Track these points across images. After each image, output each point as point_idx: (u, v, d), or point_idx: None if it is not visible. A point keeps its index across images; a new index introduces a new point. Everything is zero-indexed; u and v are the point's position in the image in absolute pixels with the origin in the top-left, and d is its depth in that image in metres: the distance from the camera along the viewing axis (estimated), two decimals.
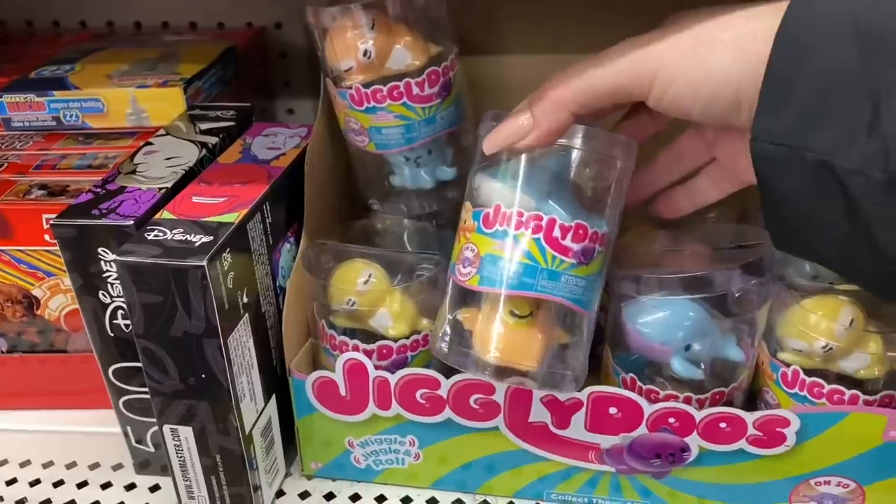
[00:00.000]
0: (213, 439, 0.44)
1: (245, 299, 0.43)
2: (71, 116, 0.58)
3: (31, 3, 0.78)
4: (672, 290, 0.45)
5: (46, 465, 0.53)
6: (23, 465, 0.53)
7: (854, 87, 0.27)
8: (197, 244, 0.40)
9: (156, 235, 0.41)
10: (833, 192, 0.28)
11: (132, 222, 0.42)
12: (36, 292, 0.52)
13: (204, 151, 0.50)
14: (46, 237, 0.50)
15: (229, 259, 0.41)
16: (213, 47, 0.66)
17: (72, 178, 0.52)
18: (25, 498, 0.50)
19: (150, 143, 0.52)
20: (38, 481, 0.52)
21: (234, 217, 0.43)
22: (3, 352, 0.55)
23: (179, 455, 0.45)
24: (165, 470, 0.51)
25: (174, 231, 0.41)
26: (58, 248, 0.49)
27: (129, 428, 0.50)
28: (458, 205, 0.54)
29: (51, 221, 0.43)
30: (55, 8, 0.78)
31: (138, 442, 0.50)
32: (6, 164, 0.55)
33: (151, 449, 0.51)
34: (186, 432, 0.44)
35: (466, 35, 0.50)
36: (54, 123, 0.59)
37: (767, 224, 0.34)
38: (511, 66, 0.59)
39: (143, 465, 0.52)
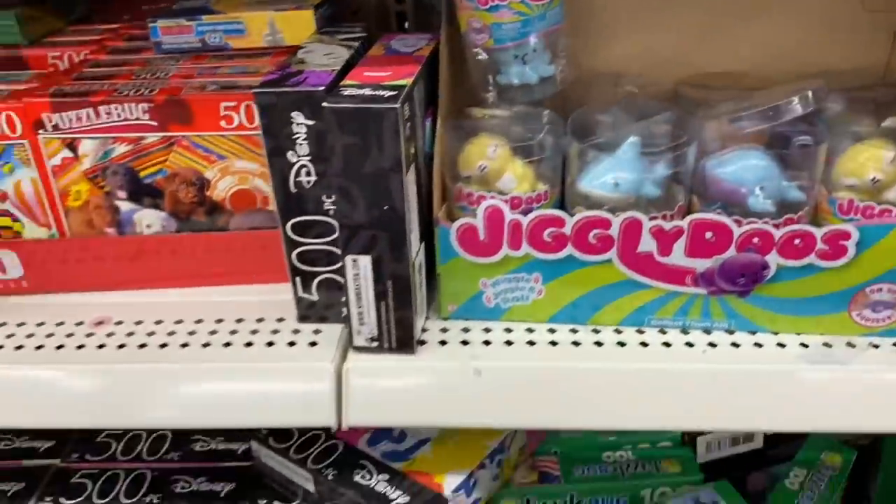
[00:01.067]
0: (387, 267, 0.54)
1: (413, 150, 0.53)
2: (215, 38, 0.68)
3: None
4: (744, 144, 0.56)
5: (218, 321, 0.62)
6: (197, 321, 0.62)
7: None
8: (385, 96, 0.50)
9: (349, 93, 0.51)
10: None
11: (322, 88, 0.53)
12: (208, 174, 0.62)
13: (353, 51, 0.61)
14: (223, 123, 0.60)
15: (407, 111, 0.51)
16: None
17: (236, 80, 0.62)
18: (209, 342, 0.60)
19: (302, 48, 0.62)
20: (214, 332, 0.61)
21: (404, 82, 0.53)
22: (173, 231, 0.64)
23: (356, 283, 0.55)
24: (325, 319, 0.61)
25: (363, 89, 0.51)
26: (231, 133, 0.59)
27: (297, 279, 0.59)
28: (554, 97, 0.65)
29: (253, 90, 0.53)
30: None
31: (305, 291, 0.60)
32: (172, 73, 0.64)
33: (315, 297, 0.60)
34: (366, 261, 0.54)
35: None
36: (199, 45, 0.69)
37: None
38: None
39: (304, 317, 0.61)
